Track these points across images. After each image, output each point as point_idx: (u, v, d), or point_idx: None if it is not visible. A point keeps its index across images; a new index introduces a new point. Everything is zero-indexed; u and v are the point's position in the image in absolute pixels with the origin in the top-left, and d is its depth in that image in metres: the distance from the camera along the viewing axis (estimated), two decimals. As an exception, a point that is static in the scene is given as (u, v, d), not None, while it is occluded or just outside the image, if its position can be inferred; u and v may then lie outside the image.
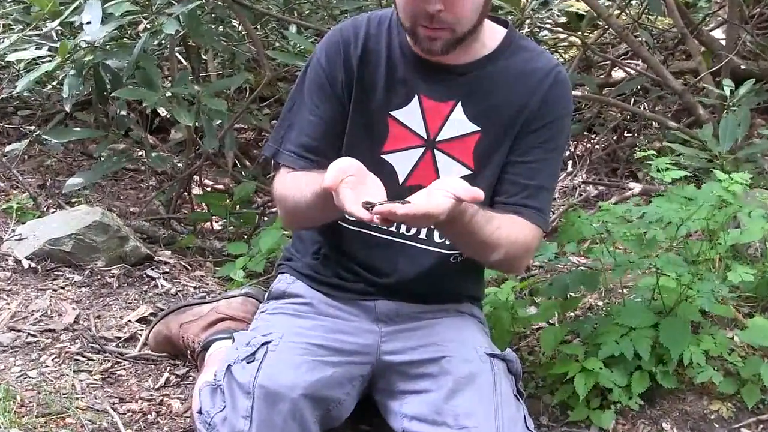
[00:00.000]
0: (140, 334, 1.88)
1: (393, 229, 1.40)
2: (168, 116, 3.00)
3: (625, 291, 1.82)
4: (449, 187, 1.11)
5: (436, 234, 1.42)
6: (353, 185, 1.13)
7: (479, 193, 1.10)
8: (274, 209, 2.69)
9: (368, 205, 1.08)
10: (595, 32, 3.35)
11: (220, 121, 2.55)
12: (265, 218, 2.71)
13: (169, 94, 2.23)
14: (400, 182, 1.39)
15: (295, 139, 1.37)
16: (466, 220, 1.18)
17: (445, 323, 1.44)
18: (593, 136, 3.51)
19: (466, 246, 1.28)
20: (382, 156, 1.37)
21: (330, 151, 1.35)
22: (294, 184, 1.33)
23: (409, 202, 1.07)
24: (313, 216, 1.22)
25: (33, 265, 2.04)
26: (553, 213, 2.61)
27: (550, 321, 1.83)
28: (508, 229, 1.29)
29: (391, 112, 1.35)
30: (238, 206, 2.70)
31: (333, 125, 1.35)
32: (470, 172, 1.38)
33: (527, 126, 1.35)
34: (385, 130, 1.36)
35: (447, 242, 1.42)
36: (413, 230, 1.41)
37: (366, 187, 1.14)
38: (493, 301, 1.79)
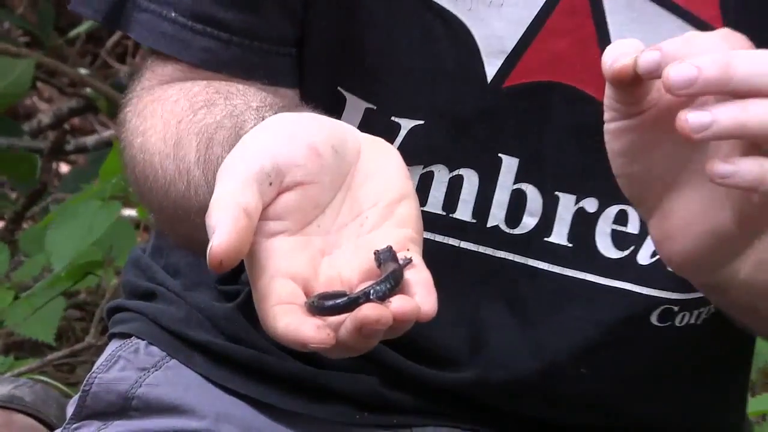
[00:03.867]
0: None
1: (492, 222, 1.30)
2: None
3: None
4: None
5: (602, 237, 1.31)
6: (299, 218, 1.00)
7: None
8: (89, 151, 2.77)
9: (330, 304, 0.94)
10: None
11: None
12: (58, 182, 2.73)
13: None
14: (489, 78, 1.28)
15: None
16: None
17: None
18: None
19: None
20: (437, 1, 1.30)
21: None
22: (167, 134, 1.25)
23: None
24: (203, 238, 1.03)
25: None
26: None
27: None
28: None
29: None
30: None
31: None
32: None
33: None
34: None
35: (644, 261, 1.29)
36: (531, 222, 1.30)
37: (336, 215, 1.03)
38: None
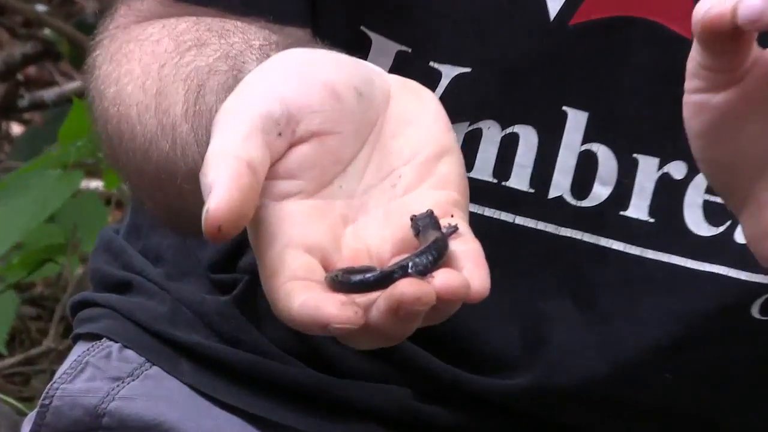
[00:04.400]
0: None
1: (555, 192, 1.25)
2: None
3: None
4: None
5: (691, 210, 1.26)
6: (316, 177, 0.96)
7: None
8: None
9: (358, 279, 0.89)
10: None
11: None
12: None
13: None
14: (552, 15, 1.23)
15: None
16: None
17: None
18: None
19: None
20: None
21: None
22: (147, 81, 1.20)
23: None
24: (192, 210, 0.98)
25: None
26: None
27: None
28: None
29: None
30: None
31: None
32: None
33: None
34: None
35: (743, 240, 1.15)
36: (603, 192, 1.25)
37: (362, 173, 0.98)
38: None
